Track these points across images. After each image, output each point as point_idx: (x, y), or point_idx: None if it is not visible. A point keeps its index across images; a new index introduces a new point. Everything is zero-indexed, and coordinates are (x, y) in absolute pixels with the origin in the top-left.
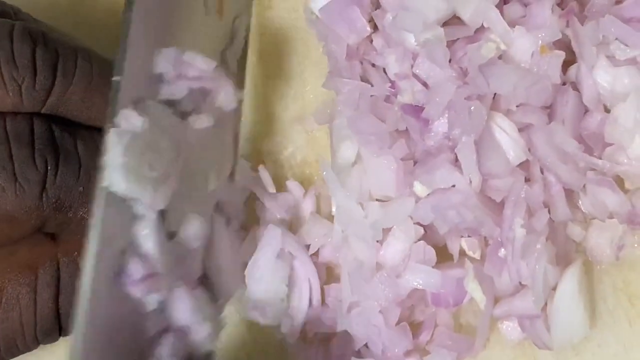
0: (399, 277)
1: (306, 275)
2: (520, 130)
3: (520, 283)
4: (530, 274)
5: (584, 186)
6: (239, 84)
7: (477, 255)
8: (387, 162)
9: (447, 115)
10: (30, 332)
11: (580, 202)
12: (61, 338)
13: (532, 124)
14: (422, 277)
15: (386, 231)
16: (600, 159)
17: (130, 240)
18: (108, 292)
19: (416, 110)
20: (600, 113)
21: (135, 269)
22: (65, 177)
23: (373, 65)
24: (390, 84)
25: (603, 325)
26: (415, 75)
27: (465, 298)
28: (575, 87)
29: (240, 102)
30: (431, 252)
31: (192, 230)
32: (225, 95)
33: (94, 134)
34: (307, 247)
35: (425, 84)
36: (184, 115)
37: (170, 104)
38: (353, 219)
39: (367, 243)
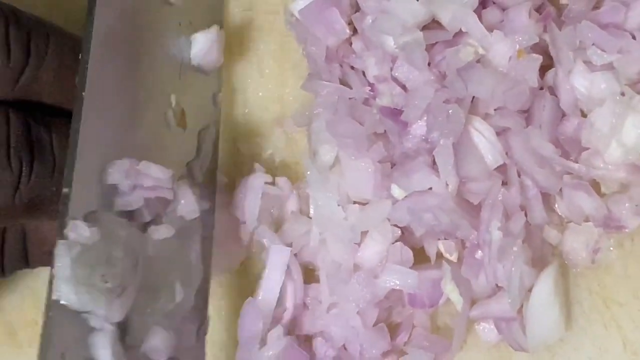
0: (376, 278)
1: (293, 276)
2: (497, 134)
3: (497, 285)
4: (507, 276)
5: (560, 190)
6: (209, 195)
7: (454, 258)
8: (365, 165)
9: (425, 118)
10: None
11: (556, 206)
12: None
13: (510, 128)
14: (399, 277)
15: (363, 233)
16: (577, 163)
17: (86, 356)
18: None
19: (394, 113)
20: (577, 118)
21: None
22: (40, 177)
23: (352, 68)
24: (369, 87)
25: (578, 328)
26: (394, 79)
27: (441, 299)
28: (553, 91)
29: (210, 209)
30: (408, 253)
31: (156, 343)
32: (186, 205)
33: (68, 126)
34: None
35: (404, 87)
36: (143, 226)
37: (127, 214)
38: (332, 221)
39: (345, 245)
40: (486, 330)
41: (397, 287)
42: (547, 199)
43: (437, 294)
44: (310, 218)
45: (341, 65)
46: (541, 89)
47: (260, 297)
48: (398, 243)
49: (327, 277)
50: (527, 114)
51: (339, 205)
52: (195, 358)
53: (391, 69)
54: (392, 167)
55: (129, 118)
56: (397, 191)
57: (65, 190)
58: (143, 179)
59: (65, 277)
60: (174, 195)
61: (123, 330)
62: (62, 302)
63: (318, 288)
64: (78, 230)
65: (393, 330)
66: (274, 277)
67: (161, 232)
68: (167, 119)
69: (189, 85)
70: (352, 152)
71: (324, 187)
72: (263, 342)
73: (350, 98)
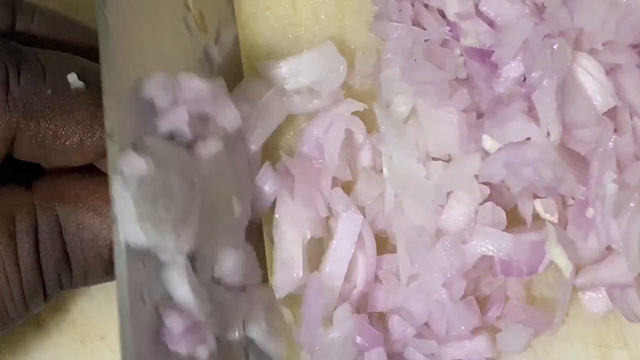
0: (464, 244)
1: (366, 247)
2: (606, 72)
3: (606, 248)
4: (623, 236)
5: None
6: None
7: (554, 218)
8: (448, 115)
9: (519, 58)
10: (17, 290)
11: None
12: None
13: (621, 65)
14: (491, 242)
15: (447, 194)
16: None
17: (163, 293)
18: (152, 354)
19: (482, 54)
20: None
21: (175, 324)
22: (29, 80)
23: (426, 6)
24: (448, 27)
25: None
26: (480, 15)
27: (541, 266)
28: None
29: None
30: (501, 214)
31: (229, 265)
32: (227, 115)
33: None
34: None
35: (491, 24)
36: (189, 146)
37: (172, 136)
38: (411, 181)
39: (427, 207)
40: (593, 300)
41: (490, 253)
42: None
43: (537, 259)
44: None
45: (413, 5)
46: None
47: (327, 271)
48: (488, 203)
49: (406, 245)
50: (638, 49)
51: (419, 162)
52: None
53: (475, 5)
54: (477, 118)
55: (153, 31)
56: (489, 143)
57: (107, 123)
58: (183, 92)
59: (129, 216)
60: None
61: (193, 259)
62: (130, 243)
63: (394, 259)
64: (132, 163)
65: (481, 304)
66: (343, 249)
67: (210, 147)
68: (188, 24)
69: None
70: (433, 100)
71: (400, 142)
72: (329, 321)
73: (426, 40)
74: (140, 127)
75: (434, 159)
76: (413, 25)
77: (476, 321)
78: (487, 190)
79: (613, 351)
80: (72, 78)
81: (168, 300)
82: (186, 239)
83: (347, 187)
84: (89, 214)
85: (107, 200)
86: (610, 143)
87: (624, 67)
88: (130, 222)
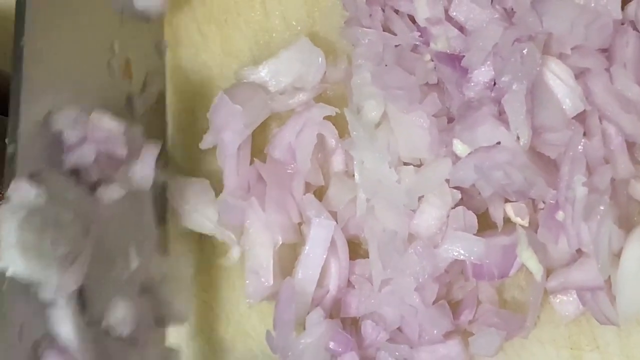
0: (436, 248)
1: (338, 253)
2: (575, 76)
3: (576, 251)
4: (593, 238)
5: None
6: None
7: (525, 222)
8: (419, 119)
9: (489, 62)
10: None
11: None
12: None
13: (589, 69)
14: (463, 246)
15: (418, 198)
16: None
17: (45, 331)
18: None
19: (452, 59)
20: None
21: None
22: None
23: (396, 11)
24: (418, 33)
25: None
26: (450, 20)
27: (512, 269)
28: (635, 26)
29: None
30: (472, 218)
31: (118, 315)
32: (139, 165)
33: None
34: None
35: (461, 30)
36: (92, 187)
37: (75, 173)
38: (382, 186)
39: (399, 212)
40: (564, 303)
41: (462, 257)
42: (631, 150)
43: (508, 263)
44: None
45: (383, 10)
46: (622, 24)
47: (299, 276)
48: (460, 207)
49: (378, 250)
50: (607, 53)
51: (390, 167)
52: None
53: (445, 10)
54: (448, 123)
55: (72, 67)
56: (459, 147)
57: (10, 148)
58: (95, 131)
59: (11, 244)
60: (127, 153)
61: (82, 303)
62: (9, 271)
63: (366, 264)
64: (23, 191)
65: (453, 307)
66: (316, 254)
67: (112, 192)
68: (112, 67)
69: (132, 33)
70: (403, 105)
71: (371, 146)
72: (302, 327)
73: (396, 46)
74: (44, 160)
75: (405, 163)
76: (384, 30)
77: (449, 325)
78: (459, 195)
79: (584, 354)
80: None
81: (49, 339)
82: (72, 279)
83: (320, 193)
84: None
85: None
86: (579, 147)
87: (592, 71)
88: (11, 249)
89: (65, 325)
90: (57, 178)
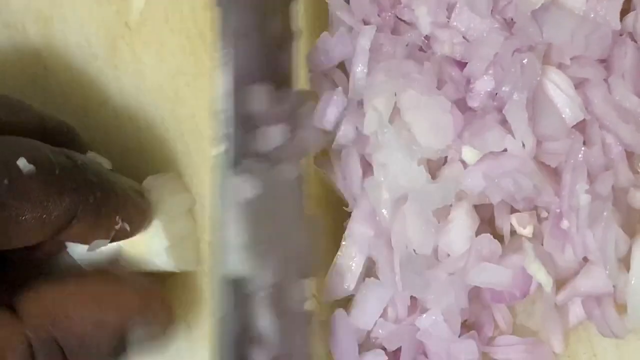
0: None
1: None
2: (575, 86)
3: (583, 259)
4: (599, 245)
5: None
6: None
7: (528, 232)
8: (440, 101)
9: (491, 71)
10: None
11: None
12: None
13: (589, 79)
14: (489, 275)
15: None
16: None
17: (247, 325)
18: None
19: (457, 65)
20: None
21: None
22: None
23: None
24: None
25: None
26: (453, 28)
27: (532, 286)
28: (633, 37)
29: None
30: (497, 246)
31: (301, 295)
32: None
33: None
34: None
35: (464, 39)
36: (273, 164)
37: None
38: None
39: (428, 221)
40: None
41: (488, 287)
42: (630, 160)
43: (527, 281)
44: None
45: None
46: (620, 35)
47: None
48: (486, 235)
49: (400, 267)
50: (605, 64)
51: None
52: None
53: (447, 19)
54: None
55: None
56: (469, 154)
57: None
58: (282, 105)
59: (234, 246)
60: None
61: (278, 292)
62: (235, 274)
63: None
64: (239, 188)
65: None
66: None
67: (292, 169)
68: None
69: None
70: (423, 87)
71: (396, 145)
72: None
73: (406, 45)
74: (244, 146)
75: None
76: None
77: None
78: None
79: None
80: (22, 163)
81: (253, 334)
82: (274, 269)
83: None
84: (87, 325)
85: (96, 297)
86: (580, 155)
87: (592, 81)
88: (234, 252)
89: (267, 317)
90: (259, 166)
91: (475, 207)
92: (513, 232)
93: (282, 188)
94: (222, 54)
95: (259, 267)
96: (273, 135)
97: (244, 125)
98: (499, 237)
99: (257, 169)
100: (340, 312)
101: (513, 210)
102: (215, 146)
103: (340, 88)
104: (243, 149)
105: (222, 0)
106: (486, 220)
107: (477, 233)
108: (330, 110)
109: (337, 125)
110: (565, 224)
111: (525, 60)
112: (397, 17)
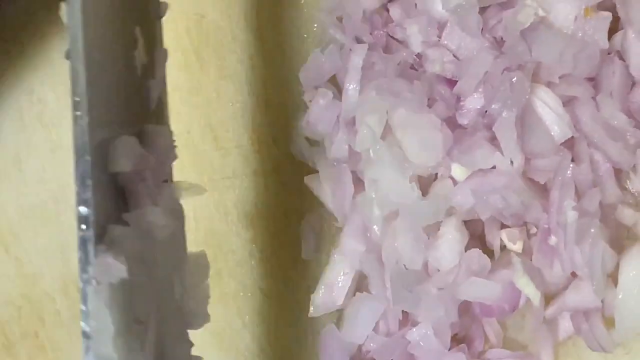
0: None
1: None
2: (563, 104)
3: (571, 274)
4: (587, 260)
5: (634, 165)
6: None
7: (518, 247)
8: (430, 119)
9: (481, 90)
10: None
11: (629, 183)
12: None
13: (577, 97)
14: (479, 290)
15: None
16: None
17: None
18: None
19: (448, 83)
20: None
21: None
22: None
23: (392, 38)
24: (414, 55)
25: None
26: (443, 47)
27: (522, 300)
28: (621, 56)
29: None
30: (486, 261)
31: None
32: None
33: None
34: None
35: (454, 57)
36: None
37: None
38: (402, 205)
39: (418, 237)
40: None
41: (478, 300)
42: (619, 177)
43: (516, 295)
44: None
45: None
46: (608, 54)
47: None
48: (475, 250)
49: (391, 281)
50: (593, 82)
51: (410, 182)
52: None
53: (438, 38)
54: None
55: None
56: (458, 171)
57: (83, 210)
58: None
59: (105, 335)
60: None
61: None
62: None
63: None
64: (108, 268)
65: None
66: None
67: (158, 218)
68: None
69: None
70: (414, 106)
71: (389, 162)
72: None
73: (398, 63)
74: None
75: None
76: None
77: None
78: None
79: None
80: None
81: None
82: (149, 349)
83: None
84: None
85: None
86: (568, 172)
87: (580, 99)
88: (105, 342)
89: None
90: (128, 233)
91: (466, 222)
92: (503, 248)
93: (157, 246)
94: (76, 106)
95: (135, 351)
96: (142, 197)
97: (107, 187)
98: (489, 252)
99: (125, 237)
100: (330, 327)
101: (503, 226)
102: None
103: (331, 95)
104: (108, 214)
105: (70, 52)
106: (477, 235)
107: (468, 248)
108: (321, 119)
109: (329, 137)
110: (553, 239)
111: (515, 78)
112: (389, 35)
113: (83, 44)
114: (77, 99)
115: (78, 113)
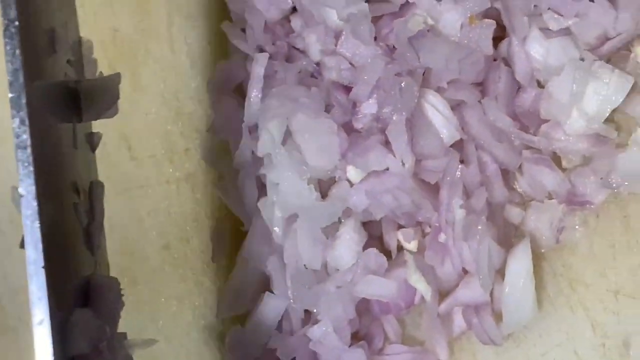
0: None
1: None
2: (452, 108)
3: (463, 271)
4: (474, 256)
5: (520, 166)
6: None
7: (413, 246)
8: (328, 124)
9: (375, 95)
10: None
11: (516, 184)
12: None
13: (464, 101)
14: (376, 288)
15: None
16: (536, 136)
17: None
18: None
19: (345, 90)
20: (534, 89)
21: None
22: None
23: (294, 47)
24: (314, 64)
25: (544, 313)
26: (339, 55)
27: (417, 297)
28: (507, 63)
29: None
30: (382, 259)
31: None
32: None
33: None
34: None
35: (350, 64)
36: None
37: None
38: (302, 207)
39: (317, 238)
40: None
41: (375, 298)
42: (506, 177)
43: (411, 293)
44: None
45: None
46: (494, 60)
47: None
48: (372, 249)
49: (291, 280)
50: (481, 87)
51: (308, 183)
52: None
53: (335, 46)
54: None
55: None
56: (353, 173)
57: None
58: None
59: None
60: None
61: None
62: None
63: None
64: None
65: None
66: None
67: None
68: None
69: None
70: (311, 112)
71: (289, 165)
72: None
73: (299, 72)
74: None
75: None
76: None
77: None
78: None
79: None
80: None
81: None
82: None
83: None
84: None
85: None
86: (457, 172)
87: (467, 104)
88: None
89: None
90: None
91: (366, 224)
92: (401, 248)
93: None
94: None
95: None
96: None
97: None
98: (388, 252)
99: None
100: (236, 328)
101: (400, 227)
102: None
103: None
104: None
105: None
106: (376, 236)
107: (367, 248)
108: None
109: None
110: (443, 237)
111: (403, 83)
112: (291, 45)
113: None
114: None
115: None
